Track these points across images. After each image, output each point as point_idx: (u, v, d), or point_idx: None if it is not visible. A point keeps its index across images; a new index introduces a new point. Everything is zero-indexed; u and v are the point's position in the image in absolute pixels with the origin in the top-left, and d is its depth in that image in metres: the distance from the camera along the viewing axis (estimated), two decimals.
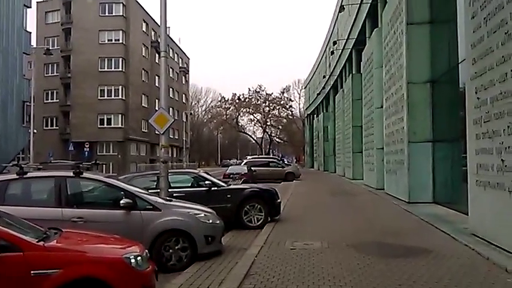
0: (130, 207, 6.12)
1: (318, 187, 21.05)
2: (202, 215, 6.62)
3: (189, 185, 9.71)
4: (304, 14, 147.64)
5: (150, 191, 8.43)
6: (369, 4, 19.84)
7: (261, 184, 12.74)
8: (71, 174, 6.22)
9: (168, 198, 7.29)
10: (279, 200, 10.20)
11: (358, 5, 22.38)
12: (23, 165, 6.22)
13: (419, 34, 12.78)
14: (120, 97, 46.19)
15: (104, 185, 6.45)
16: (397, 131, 14.09)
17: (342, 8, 21.91)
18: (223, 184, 9.86)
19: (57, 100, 47.35)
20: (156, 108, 56.48)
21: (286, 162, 47.49)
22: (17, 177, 6.08)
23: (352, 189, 18.90)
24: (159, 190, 8.25)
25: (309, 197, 16.23)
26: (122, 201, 6.06)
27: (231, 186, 10.04)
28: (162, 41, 8.63)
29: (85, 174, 6.33)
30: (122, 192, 6.28)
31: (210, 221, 6.65)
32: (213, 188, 9.42)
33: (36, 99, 48.63)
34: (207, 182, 9.47)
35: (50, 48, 44.02)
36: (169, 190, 8.73)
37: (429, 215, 10.01)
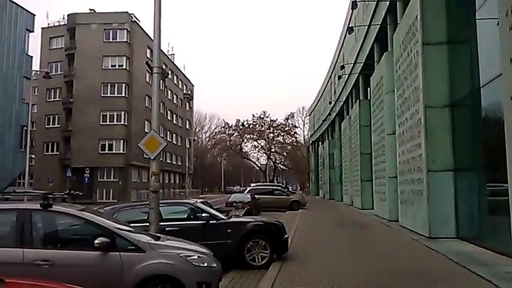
0: (107, 247, 5.04)
1: (326, 217, 19.80)
2: (196, 256, 5.49)
3: (185, 217, 8.59)
4: (309, 42, 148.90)
5: (141, 224, 7.41)
6: (378, 26, 19.10)
7: (266, 217, 11.60)
8: (37, 206, 5.18)
9: (156, 235, 6.19)
10: (286, 236, 9.03)
11: (366, 29, 21.71)
12: None
13: (436, 55, 11.86)
14: (122, 123, 45.54)
15: (77, 220, 5.37)
16: (413, 158, 13.00)
17: (350, 30, 21.21)
18: (222, 217, 8.74)
19: (59, 125, 46.74)
20: (161, 135, 56.04)
21: (291, 189, 46.23)
22: None
23: (363, 221, 17.64)
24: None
25: (317, 229, 15.02)
26: (96, 241, 4.98)
27: (232, 219, 8.90)
28: (155, 57, 7.73)
29: (54, 207, 5.27)
30: (99, 230, 5.21)
31: (205, 264, 5.52)
32: (211, 221, 8.30)
33: (37, 124, 48.28)
34: (204, 215, 8.36)
35: (54, 73, 44.05)
36: (162, 224, 7.67)
37: (457, 253, 8.81)
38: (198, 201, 10.07)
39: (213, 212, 8.80)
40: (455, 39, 11.65)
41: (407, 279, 6.75)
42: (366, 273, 7.16)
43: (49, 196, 5.38)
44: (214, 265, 5.69)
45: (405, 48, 13.89)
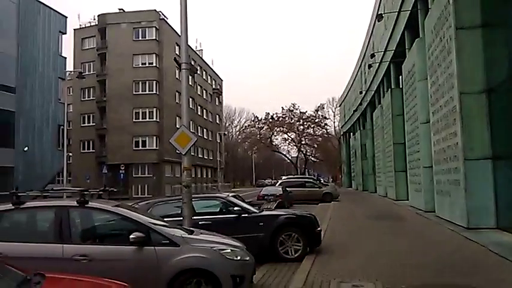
0: (142, 242, 5.14)
1: (360, 209, 19.53)
2: (229, 250, 5.53)
3: (217, 211, 8.65)
4: (338, 32, 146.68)
5: (174, 219, 7.52)
6: (409, 12, 18.53)
7: (298, 209, 11.55)
8: (74, 203, 5.33)
9: (189, 229, 6.26)
10: (319, 228, 8.94)
11: (396, 16, 21.11)
12: (19, 194, 5.38)
13: (470, 39, 11.40)
14: (154, 119, 46.37)
15: (112, 215, 5.50)
16: (449, 147, 12.61)
17: (379, 17, 20.62)
18: (254, 210, 8.75)
19: (94, 124, 48.08)
20: (192, 130, 56.81)
21: (322, 181, 45.91)
22: (13, 207, 5.25)
23: (398, 212, 17.30)
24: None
25: (351, 221, 14.83)
26: (132, 236, 5.09)
27: (264, 213, 8.90)
28: (183, 53, 7.77)
29: (90, 204, 5.41)
30: (134, 225, 5.32)
31: (238, 258, 5.55)
32: (243, 215, 8.34)
33: (73, 123, 49.89)
34: (236, 208, 8.40)
35: (87, 73, 45.28)
36: (195, 218, 7.76)
37: (498, 244, 8.49)
38: (230, 195, 10.12)
39: (245, 205, 8.83)
40: (491, 22, 11.15)
41: (446, 272, 6.56)
42: (402, 266, 7.01)
43: (85, 193, 5.53)
44: (248, 258, 5.71)
45: (437, 34, 13.44)
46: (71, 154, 47.10)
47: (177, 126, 50.01)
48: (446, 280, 6.12)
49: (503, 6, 10.59)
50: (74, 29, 49.46)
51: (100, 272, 5.03)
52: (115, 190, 11.64)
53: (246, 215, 8.38)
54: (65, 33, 35.14)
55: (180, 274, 5.17)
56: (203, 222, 7.89)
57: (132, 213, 5.57)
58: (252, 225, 8.23)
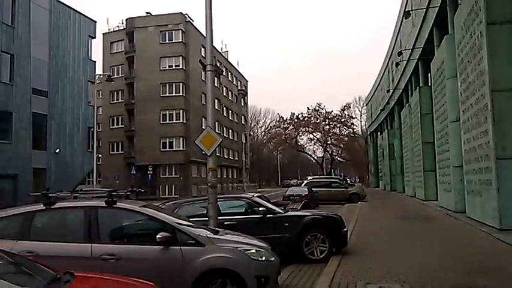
0: (168, 242, 5.21)
1: (387, 210, 19.21)
2: (254, 250, 5.54)
3: (242, 211, 8.69)
4: (365, 30, 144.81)
5: (200, 219, 7.59)
6: (437, 8, 18.11)
7: (324, 210, 11.46)
8: (103, 204, 5.46)
9: (215, 229, 6.31)
10: (345, 229, 8.86)
11: (424, 13, 20.66)
12: (50, 194, 5.54)
13: (502, 35, 11.06)
14: (181, 121, 46.95)
15: (140, 216, 5.59)
16: (480, 146, 12.24)
17: (407, 14, 20.24)
18: (279, 210, 8.73)
19: (122, 126, 49.08)
20: (218, 131, 57.13)
21: (349, 182, 45.38)
22: (44, 208, 5.41)
23: (427, 213, 16.92)
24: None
25: (378, 222, 14.59)
26: (158, 236, 5.16)
27: (289, 213, 8.87)
28: (208, 54, 7.84)
29: (118, 204, 5.53)
30: (160, 225, 5.40)
31: (263, 258, 5.55)
32: (268, 215, 8.33)
33: (102, 125, 51.03)
34: (261, 209, 8.40)
35: (115, 76, 46.28)
36: (220, 218, 7.81)
37: None
38: (255, 195, 10.14)
39: (270, 205, 8.83)
40: None
41: (478, 275, 6.36)
42: (432, 269, 6.84)
43: (113, 194, 5.65)
44: (273, 259, 5.70)
45: (467, 30, 13.08)
46: (100, 155, 48.23)
47: (203, 127, 50.56)
48: (477, 283, 5.93)
49: None
50: (103, 33, 50.65)
51: (127, 271, 5.12)
52: (142, 191, 11.82)
53: (271, 215, 8.37)
54: (94, 38, 35.99)
55: (206, 274, 5.22)
56: (228, 222, 7.93)
57: (159, 214, 5.66)
58: (277, 225, 8.22)
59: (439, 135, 19.27)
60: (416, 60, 24.88)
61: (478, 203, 12.71)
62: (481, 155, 12.16)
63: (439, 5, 17.76)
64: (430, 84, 22.83)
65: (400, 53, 25.80)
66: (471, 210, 13.60)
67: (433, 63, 19.83)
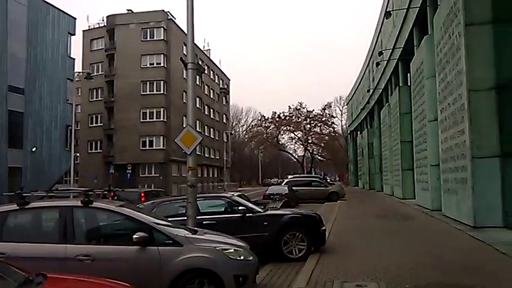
0: (145, 242, 5.14)
1: (366, 208, 19.43)
2: (232, 250, 5.51)
3: (222, 210, 8.64)
4: (345, 31, 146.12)
5: (179, 218, 7.54)
6: (417, 9, 18.38)
7: (304, 209, 11.50)
8: (79, 203, 5.35)
9: (193, 229, 6.26)
10: (323, 228, 8.90)
11: (405, 13, 20.96)
12: (24, 194, 5.41)
13: (480, 36, 11.29)
14: (161, 119, 46.51)
15: (116, 215, 5.50)
16: (456, 145, 12.48)
17: (388, 14, 20.51)
18: (259, 209, 8.72)
19: (102, 124, 48.34)
20: (199, 130, 56.61)
21: (329, 180, 45.76)
22: (17, 208, 5.27)
23: (404, 211, 17.17)
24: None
25: (356, 220, 14.74)
26: (135, 236, 5.09)
27: (268, 212, 8.86)
28: (190, 52, 7.77)
29: (95, 204, 5.43)
30: (137, 225, 5.32)
31: (242, 258, 5.54)
32: (247, 214, 8.31)
33: (81, 123, 50.20)
34: (240, 208, 8.37)
35: (95, 73, 45.55)
36: (199, 217, 7.76)
37: (505, 243, 8.37)
38: (235, 194, 10.10)
39: (250, 205, 8.81)
40: (501, 18, 11.06)
41: (453, 272, 6.48)
42: (408, 267, 6.93)
43: (90, 193, 5.55)
44: (251, 258, 5.69)
45: (446, 31, 13.32)
46: (78, 154, 47.42)
47: (184, 125, 50.13)
48: (452, 280, 6.03)
49: None
50: (83, 31, 49.73)
51: (103, 272, 5.04)
52: (120, 190, 11.68)
53: (251, 214, 8.35)
54: (74, 35, 35.35)
55: (183, 274, 5.17)
56: (208, 221, 7.89)
57: (136, 213, 5.58)
58: (256, 224, 8.22)
59: (417, 135, 19.59)
60: (396, 60, 25.23)
61: (453, 201, 12.96)
62: (457, 154, 12.40)
63: (419, 5, 18.04)
64: (409, 84, 23.20)
65: (380, 53, 26.11)
66: (447, 209, 13.86)
67: (412, 63, 20.13)
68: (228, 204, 8.69)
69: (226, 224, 7.85)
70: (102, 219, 5.57)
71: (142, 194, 13.56)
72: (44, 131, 30.73)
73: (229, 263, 5.34)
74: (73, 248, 5.09)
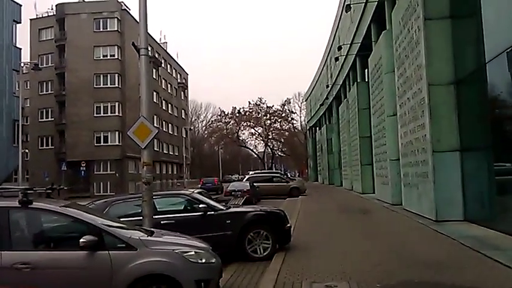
0: (94, 246, 4.56)
1: (328, 203, 19.41)
2: (192, 252, 5.02)
3: (181, 209, 8.11)
4: (304, 27, 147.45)
5: (134, 218, 6.97)
6: (375, 4, 18.45)
7: (266, 205, 11.15)
8: (16, 204, 4.69)
9: (150, 230, 5.72)
10: (288, 225, 8.57)
11: (362, 8, 21.05)
12: None
13: (439, 30, 11.31)
14: (116, 114, 44.86)
15: (60, 217, 4.86)
16: (416, 139, 12.54)
17: (347, 8, 20.55)
18: (221, 207, 8.26)
19: (52, 119, 46.00)
20: (156, 125, 54.89)
21: (289, 176, 45.88)
22: None
23: (365, 205, 17.24)
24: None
25: (319, 215, 14.60)
26: (82, 239, 4.50)
27: (231, 210, 8.41)
28: (142, 37, 7.16)
29: (35, 204, 4.77)
30: (85, 227, 4.73)
31: (203, 260, 5.05)
32: (209, 213, 7.83)
33: (31, 118, 47.58)
34: (201, 206, 7.87)
35: (45, 65, 43.16)
36: (157, 217, 7.21)
37: (468, 237, 8.39)
38: (195, 191, 9.62)
39: (211, 202, 8.33)
40: (459, 13, 11.10)
41: (418, 267, 6.31)
42: (375, 263, 6.73)
43: (29, 192, 4.89)
44: (213, 260, 5.23)
45: (405, 25, 13.34)
46: (27, 151, 44.92)
47: None
48: (422, 277, 5.85)
49: None
50: (30, 19, 47.02)
51: (45, 281, 4.49)
52: (65, 188, 10.84)
53: (212, 212, 7.88)
54: (20, 23, 33.26)
55: (138, 281, 4.64)
56: (166, 221, 7.36)
57: (83, 214, 4.97)
58: (218, 223, 7.76)
59: (376, 129, 19.75)
60: (354, 55, 25.41)
61: (414, 195, 13.04)
62: (417, 148, 12.45)
63: (377, 0, 18.09)
64: (367, 80, 23.41)
65: (340, 48, 26.22)
66: (407, 203, 13.96)
67: (370, 58, 20.26)
68: (187, 202, 8.17)
69: (186, 224, 7.36)
70: (44, 221, 4.91)
71: None
72: None
73: (189, 267, 4.85)
74: (9, 255, 4.44)
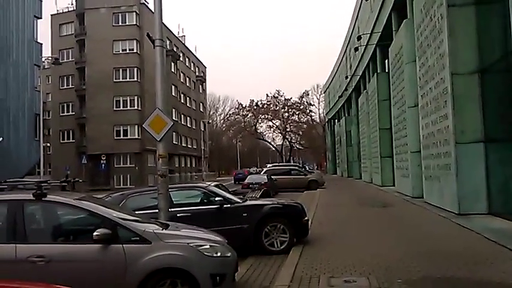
0: (108, 239, 4.51)
1: (346, 196, 19.15)
2: (207, 246, 4.92)
3: (197, 201, 8.03)
4: (324, 17, 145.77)
5: (151, 211, 6.91)
6: None
7: (284, 198, 11.00)
8: (30, 196, 4.66)
9: (165, 223, 5.65)
10: (306, 218, 8.40)
11: None
12: None
13: (463, 17, 10.91)
14: (135, 107, 45.21)
15: (74, 210, 4.82)
16: (438, 131, 12.18)
17: None
18: (237, 200, 8.15)
19: (73, 113, 46.71)
20: (175, 118, 54.99)
21: (308, 169, 45.59)
22: None
23: (385, 198, 16.93)
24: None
25: (338, 209, 14.38)
26: (95, 233, 4.45)
27: (248, 203, 8.29)
28: (157, 28, 7.06)
29: (49, 197, 4.74)
30: (99, 220, 4.69)
31: (219, 254, 4.95)
32: (225, 206, 7.73)
33: (52, 112, 48.45)
34: (217, 198, 7.78)
35: (65, 60, 43.75)
36: (173, 210, 7.16)
37: (493, 231, 8.10)
38: (212, 184, 9.53)
39: (227, 195, 8.23)
40: None
41: (443, 263, 6.09)
42: (396, 258, 6.51)
43: (43, 184, 4.87)
44: (229, 254, 5.13)
45: (427, 13, 12.93)
46: (48, 145, 45.77)
47: None
48: (445, 272, 5.63)
49: None
50: (51, 15, 47.69)
51: (60, 274, 4.44)
52: (80, 181, 10.88)
53: (229, 205, 7.77)
54: (41, 18, 33.73)
55: (153, 274, 4.57)
56: (182, 214, 7.29)
57: (98, 207, 4.92)
58: (235, 216, 7.66)
59: (397, 121, 19.34)
60: (374, 45, 24.90)
61: (436, 188, 12.71)
62: (439, 139, 12.10)
63: None
64: (387, 71, 22.93)
65: (359, 38, 25.69)
66: (429, 196, 13.63)
67: (391, 48, 19.80)
68: (204, 195, 8.08)
69: (202, 217, 7.29)
70: (58, 214, 4.88)
71: None
72: (11, 120, 29.28)
73: (204, 261, 4.76)
74: (24, 248, 4.42)
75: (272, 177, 23.78)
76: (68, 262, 4.49)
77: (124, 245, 4.58)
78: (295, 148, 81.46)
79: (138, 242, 4.65)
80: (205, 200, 7.99)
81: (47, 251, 4.46)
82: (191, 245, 4.83)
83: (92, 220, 4.72)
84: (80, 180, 10.63)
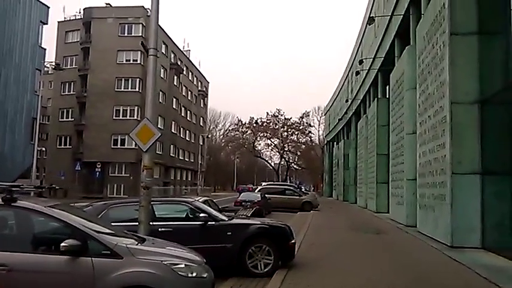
0: (76, 251, 4.25)
1: (339, 220, 18.81)
2: (182, 265, 4.64)
3: (182, 217, 7.75)
4: (328, 41, 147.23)
5: (133, 224, 6.64)
6: (400, 18, 18.00)
7: (274, 218, 10.72)
8: None
9: (142, 237, 5.38)
10: (293, 241, 8.09)
11: (387, 23, 20.64)
12: None
13: (465, 46, 10.80)
14: (135, 118, 44.94)
15: (44, 217, 4.56)
16: (435, 159, 11.97)
17: (371, 20, 20.16)
18: (223, 217, 7.86)
19: (72, 119, 46.54)
20: (174, 131, 54.86)
21: (303, 190, 45.22)
22: None
23: (378, 225, 16.60)
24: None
25: (329, 232, 14.06)
26: (63, 243, 4.19)
27: (233, 221, 7.99)
28: (152, 36, 6.93)
29: (19, 203, 4.49)
30: (69, 230, 4.43)
31: (194, 274, 4.67)
32: (209, 223, 7.45)
33: (51, 117, 48.32)
34: (202, 215, 7.51)
35: (69, 67, 43.87)
36: (155, 223, 6.90)
37: (485, 267, 7.81)
38: (200, 199, 9.27)
39: (213, 212, 7.94)
40: (487, 29, 10.59)
41: None
42: (382, 287, 6.23)
43: (14, 189, 4.62)
44: (205, 275, 4.85)
45: (430, 40, 12.87)
46: (43, 149, 45.50)
47: (159, 126, 49.00)
48: None
49: (501, 13, 10.01)
50: (58, 22, 48.06)
51: (22, 285, 4.18)
52: (56, 188, 10.61)
53: (213, 222, 7.50)
54: (46, 24, 33.85)
55: None
56: (164, 229, 7.01)
57: (70, 216, 4.66)
58: (218, 234, 7.37)
59: (394, 147, 19.16)
60: (376, 70, 24.92)
61: (430, 218, 12.43)
62: (436, 168, 11.89)
63: (402, 13, 17.66)
64: (388, 96, 22.88)
65: (361, 62, 25.74)
66: (422, 225, 13.34)
67: (392, 74, 19.76)
68: (189, 210, 7.81)
69: (184, 233, 7.01)
70: (27, 221, 4.60)
71: None
72: (8, 122, 29.12)
73: (177, 281, 4.49)
74: None
75: (266, 195, 23.47)
76: (31, 272, 4.22)
77: (93, 259, 4.31)
78: (293, 168, 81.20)
79: (108, 256, 4.38)
80: (190, 216, 7.71)
81: (9, 259, 4.19)
82: (165, 263, 4.56)
83: (62, 230, 4.46)
84: (57, 188, 10.35)
